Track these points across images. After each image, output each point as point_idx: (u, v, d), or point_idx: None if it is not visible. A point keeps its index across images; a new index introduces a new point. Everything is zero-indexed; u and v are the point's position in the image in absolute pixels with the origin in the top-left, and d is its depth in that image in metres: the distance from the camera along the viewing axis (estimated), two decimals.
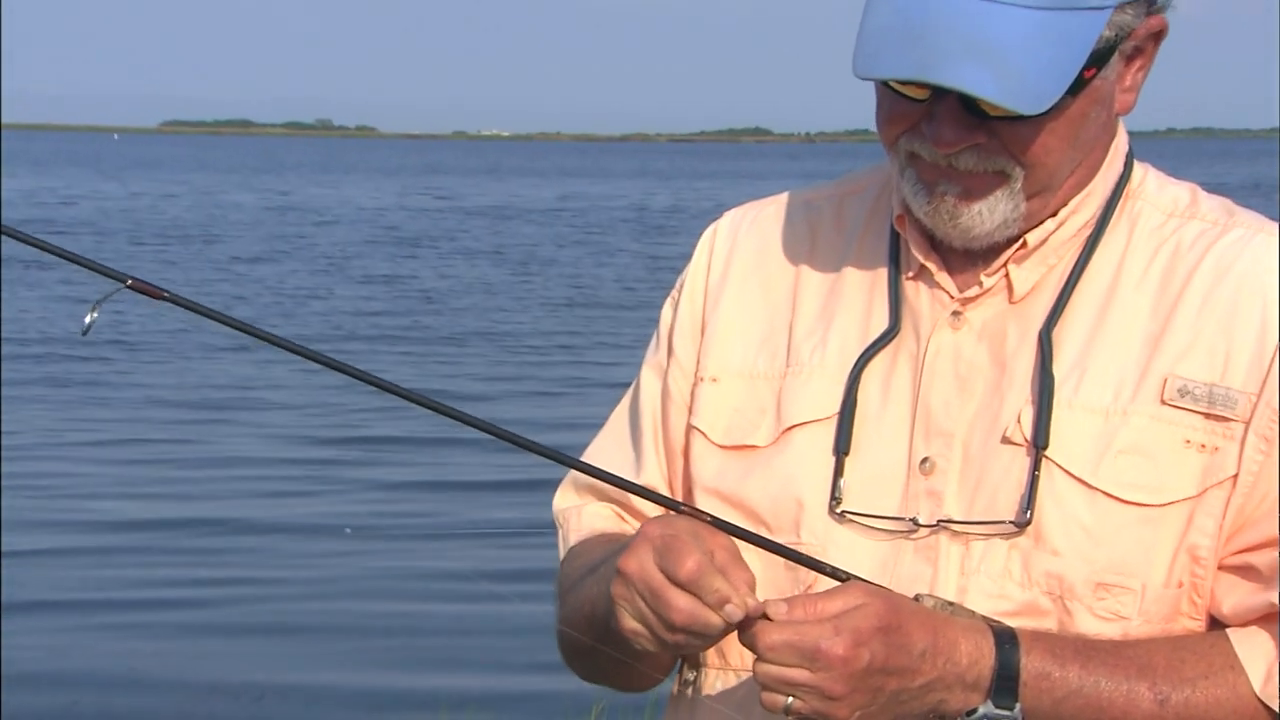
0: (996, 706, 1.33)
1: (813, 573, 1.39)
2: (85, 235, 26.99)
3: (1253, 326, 1.40)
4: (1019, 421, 1.40)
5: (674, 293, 1.57)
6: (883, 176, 1.53)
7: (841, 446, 1.43)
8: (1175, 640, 1.38)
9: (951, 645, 1.32)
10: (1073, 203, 1.45)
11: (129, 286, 1.37)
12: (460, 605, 6.77)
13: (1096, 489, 1.38)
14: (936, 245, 1.46)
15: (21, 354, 13.52)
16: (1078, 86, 1.36)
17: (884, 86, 1.40)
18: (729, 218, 1.58)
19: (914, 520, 1.41)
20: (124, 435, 10.28)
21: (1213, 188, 1.51)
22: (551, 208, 39.91)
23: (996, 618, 1.36)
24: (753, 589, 1.32)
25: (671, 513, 1.39)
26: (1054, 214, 1.44)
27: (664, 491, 1.51)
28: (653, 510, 1.44)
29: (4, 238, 1.40)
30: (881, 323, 1.46)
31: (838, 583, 1.36)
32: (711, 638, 1.32)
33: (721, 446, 1.49)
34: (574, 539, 1.56)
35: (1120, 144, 1.48)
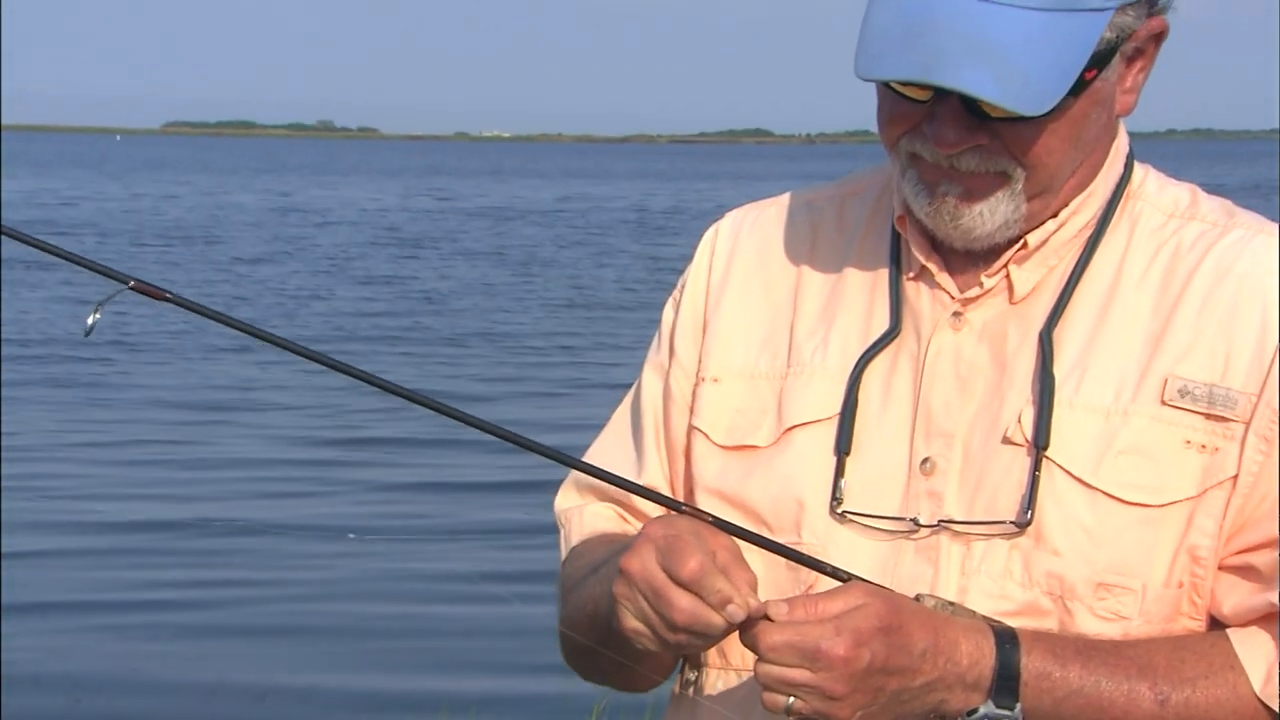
0: (997, 706, 1.33)
1: (814, 573, 1.39)
2: (87, 236, 27.01)
3: (1253, 327, 1.40)
4: (1019, 422, 1.40)
5: (675, 293, 1.58)
6: (884, 177, 1.53)
7: (842, 447, 1.43)
8: (1176, 640, 1.38)
9: (952, 645, 1.33)
10: (1074, 203, 1.45)
11: (131, 288, 1.37)
12: (461, 607, 6.77)
13: (1097, 489, 1.39)
14: (937, 246, 1.46)
15: (22, 355, 13.53)
16: (1079, 88, 1.36)
17: (885, 88, 1.40)
18: (730, 218, 1.59)
19: (915, 520, 1.41)
20: (125, 436, 10.28)
21: (1212, 189, 1.51)
22: (552, 209, 39.92)
23: (997, 618, 1.37)
24: (754, 589, 1.32)
25: (673, 513, 1.39)
26: (1055, 215, 1.45)
27: (665, 491, 1.52)
28: (654, 510, 1.44)
29: (8, 239, 1.40)
30: (882, 323, 1.47)
31: (839, 583, 1.36)
32: (713, 638, 1.32)
33: (723, 447, 1.49)
34: (576, 539, 1.56)
35: (1121, 145, 1.48)
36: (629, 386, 1.60)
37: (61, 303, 17.08)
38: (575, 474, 1.56)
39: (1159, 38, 1.43)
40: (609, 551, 1.45)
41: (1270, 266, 1.42)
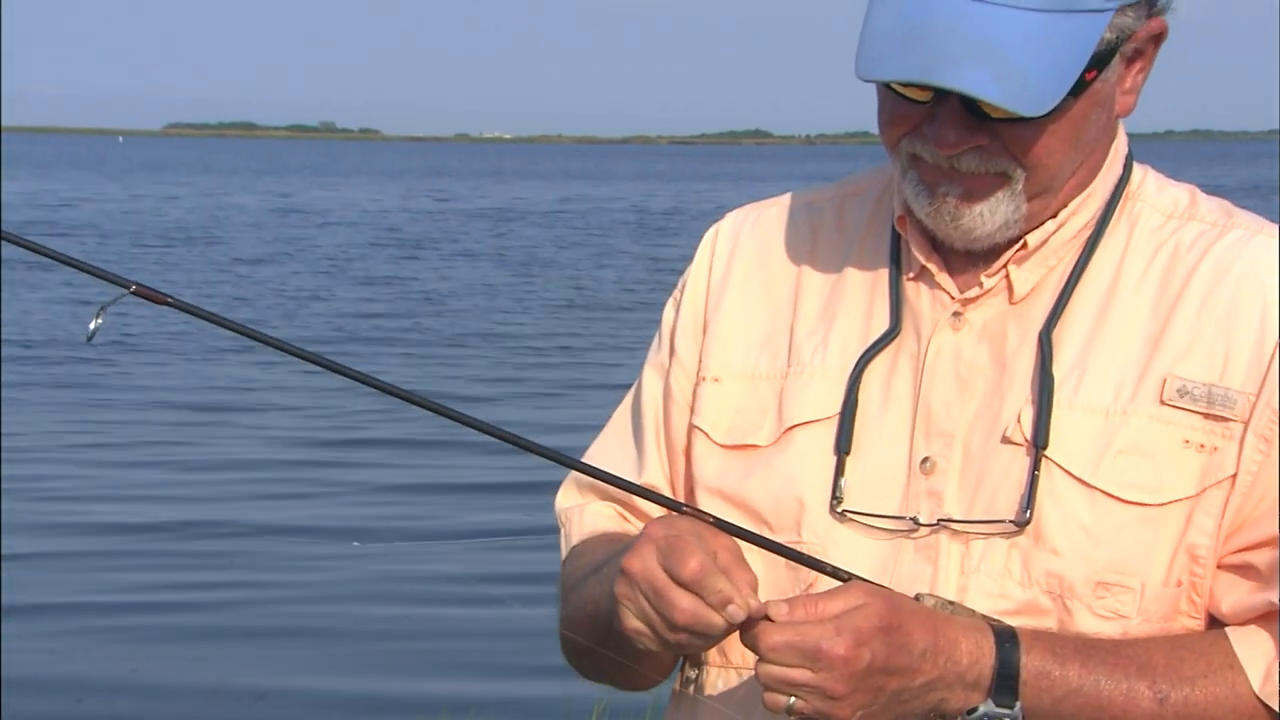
0: (997, 705, 1.34)
1: (814, 572, 1.39)
2: (88, 237, 27.02)
3: (1252, 327, 1.41)
4: (1019, 421, 1.41)
5: (676, 293, 1.58)
6: (884, 178, 1.54)
7: (842, 446, 1.44)
8: (1175, 639, 1.39)
9: (952, 644, 1.33)
10: (1073, 204, 1.45)
11: (133, 293, 1.38)
12: (461, 609, 6.77)
13: (1096, 489, 1.39)
14: (937, 246, 1.46)
15: (23, 356, 13.53)
16: (1079, 88, 1.36)
17: (886, 89, 1.41)
18: (731, 219, 1.59)
19: (914, 520, 1.42)
20: (125, 438, 10.28)
21: (1211, 189, 1.52)
22: (553, 209, 39.93)
23: (996, 617, 1.37)
24: (755, 590, 1.32)
25: (674, 513, 1.39)
26: (1054, 215, 1.45)
27: (666, 491, 1.52)
28: (655, 510, 1.45)
29: (12, 244, 1.41)
30: (882, 323, 1.47)
31: (839, 582, 1.36)
32: (713, 638, 1.33)
33: (723, 446, 1.49)
34: (576, 538, 1.57)
35: (1120, 146, 1.49)
36: (629, 387, 1.60)
37: (62, 304, 17.08)
38: (576, 473, 1.57)
39: (1158, 39, 1.43)
40: (610, 551, 1.46)
41: (1269, 266, 1.43)
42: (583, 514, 1.57)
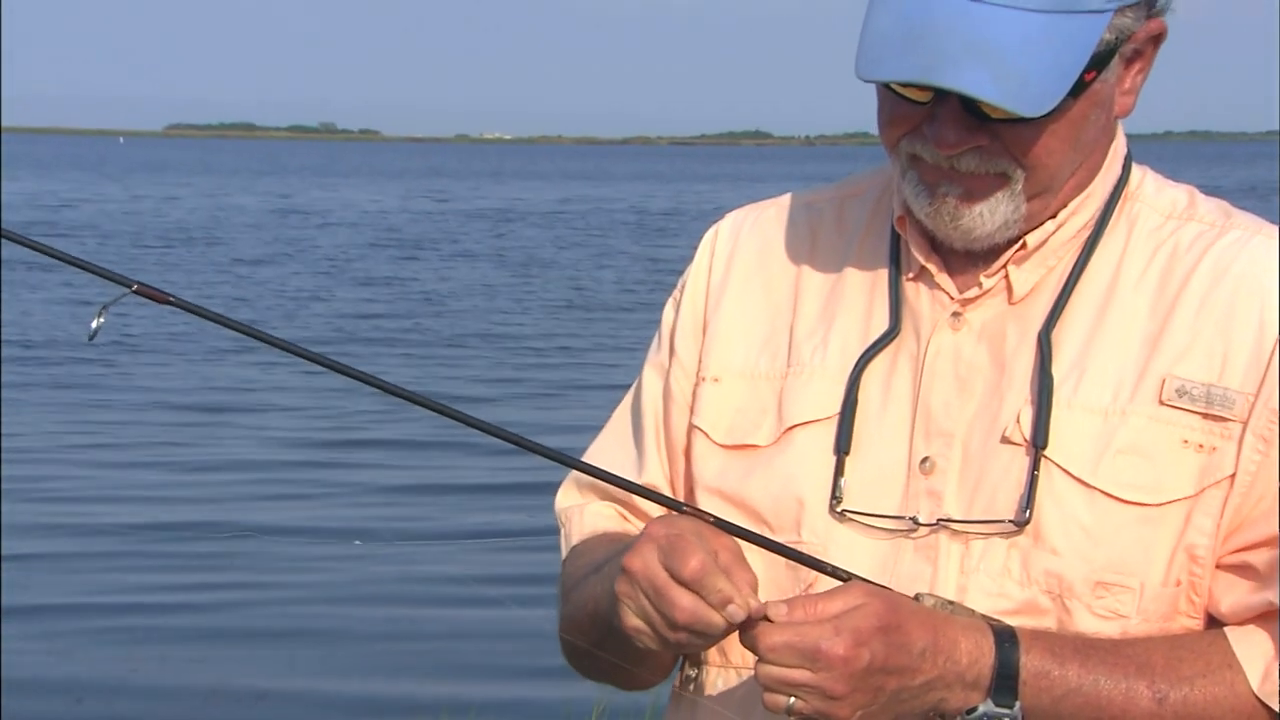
0: (996, 705, 1.34)
1: (814, 572, 1.40)
2: (88, 238, 27.02)
3: (1250, 327, 1.41)
4: (1018, 421, 1.41)
5: (675, 293, 1.58)
6: (883, 179, 1.54)
7: (842, 446, 1.44)
8: (1173, 639, 1.39)
9: (951, 644, 1.33)
10: (1072, 204, 1.46)
11: (134, 291, 1.38)
12: (461, 610, 6.77)
13: (1095, 488, 1.39)
14: (937, 246, 1.47)
15: (23, 356, 13.53)
16: (1078, 89, 1.37)
17: (886, 89, 1.41)
18: (730, 219, 1.59)
19: (914, 519, 1.42)
20: (125, 439, 10.28)
21: (1209, 190, 1.52)
22: (552, 210, 39.94)
23: (996, 616, 1.37)
24: (755, 590, 1.33)
25: (675, 512, 1.39)
26: (1054, 216, 1.45)
27: (665, 491, 1.52)
28: (655, 510, 1.45)
29: (13, 243, 1.41)
30: (882, 323, 1.47)
31: (838, 582, 1.37)
32: (713, 637, 1.33)
33: (723, 446, 1.50)
34: (577, 538, 1.57)
35: (1119, 146, 1.49)
36: (628, 387, 1.60)
37: (62, 304, 17.08)
38: (576, 473, 1.57)
39: (1157, 39, 1.44)
40: (610, 551, 1.46)
41: (1268, 266, 1.43)
42: (583, 514, 1.57)
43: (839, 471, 1.44)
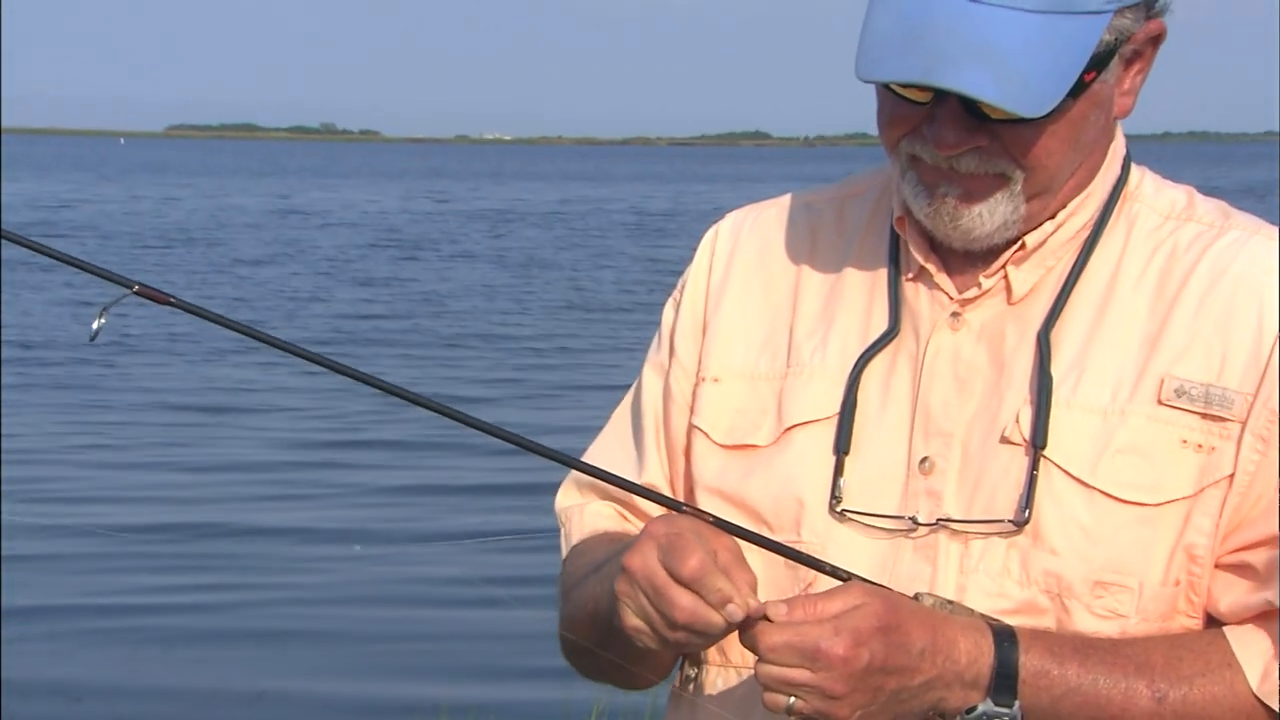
0: (995, 704, 1.34)
1: (813, 571, 1.40)
2: (89, 238, 27.01)
3: (1249, 327, 1.41)
4: (1017, 421, 1.41)
5: (675, 293, 1.59)
6: (883, 179, 1.54)
7: (841, 446, 1.44)
8: (1173, 638, 1.39)
9: (950, 644, 1.34)
10: (1071, 205, 1.46)
11: (135, 292, 1.38)
12: (460, 611, 6.77)
13: (1094, 488, 1.39)
14: (936, 247, 1.47)
15: (23, 358, 13.53)
16: (1078, 90, 1.37)
17: (885, 89, 1.41)
18: (730, 219, 1.60)
19: (913, 519, 1.42)
20: (125, 440, 10.27)
21: (1207, 191, 1.52)
22: (552, 211, 39.95)
23: (995, 616, 1.38)
24: (754, 590, 1.33)
25: (675, 512, 1.40)
26: (1053, 216, 1.45)
27: (665, 491, 1.52)
28: (655, 510, 1.45)
29: (14, 244, 1.41)
30: (881, 324, 1.47)
31: (838, 581, 1.37)
32: (712, 637, 1.33)
33: (723, 446, 1.50)
34: (577, 538, 1.57)
35: (1118, 147, 1.49)
36: (628, 388, 1.60)
37: (62, 305, 17.08)
38: (576, 473, 1.57)
39: (1156, 40, 1.44)
40: (610, 550, 1.46)
41: (1266, 267, 1.43)
42: (583, 514, 1.58)
43: (838, 471, 1.44)
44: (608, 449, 1.58)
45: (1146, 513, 1.39)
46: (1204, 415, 1.40)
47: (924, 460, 1.43)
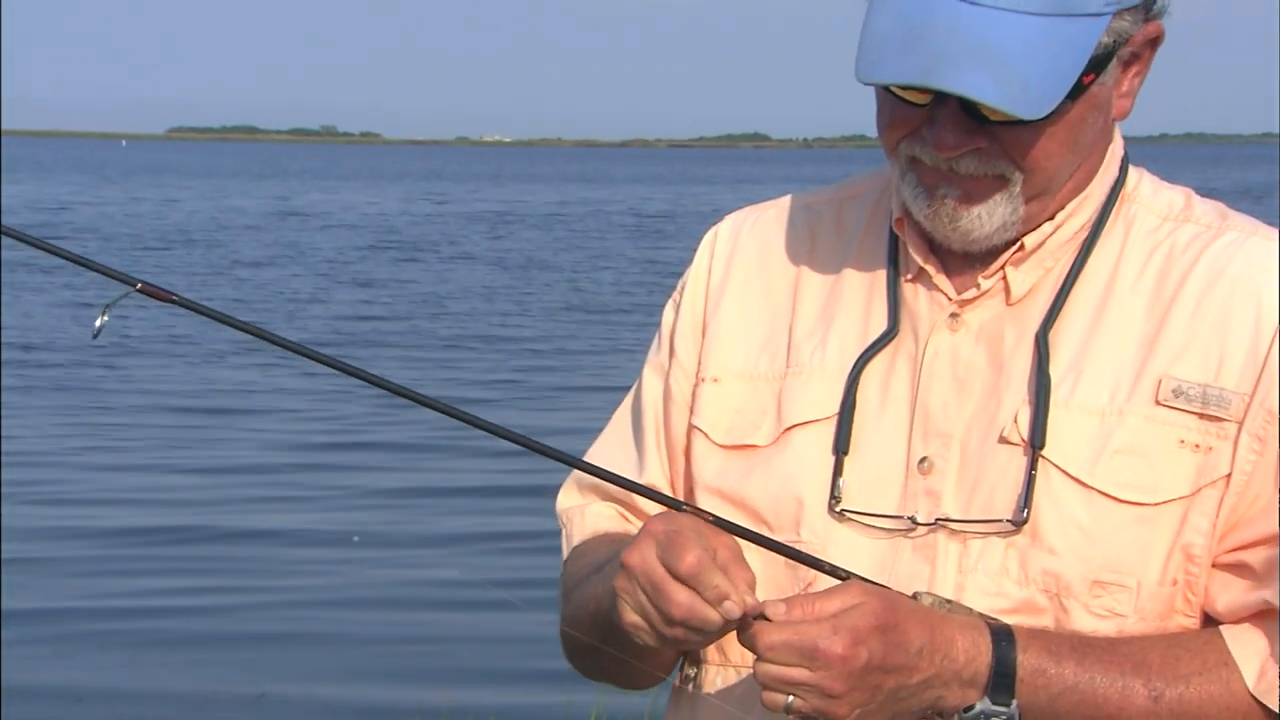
0: (993, 703, 1.35)
1: (813, 571, 1.40)
2: (90, 240, 27.02)
3: (1246, 328, 1.42)
4: (1016, 422, 1.42)
5: (675, 294, 1.59)
6: (882, 181, 1.55)
7: (841, 446, 1.45)
8: (1170, 637, 1.40)
9: (948, 642, 1.34)
10: (1070, 206, 1.46)
11: (139, 290, 1.39)
12: (460, 614, 6.76)
13: (1093, 488, 1.40)
14: (935, 248, 1.47)
15: (24, 359, 13.53)
16: (1077, 92, 1.37)
17: (885, 91, 1.41)
18: (730, 221, 1.60)
19: (912, 519, 1.43)
20: (125, 442, 10.27)
21: (1204, 192, 1.53)
22: (552, 212, 39.95)
23: (994, 615, 1.38)
24: (753, 588, 1.33)
25: (675, 510, 1.40)
26: (1051, 217, 1.46)
27: (666, 491, 1.53)
28: (656, 510, 1.46)
29: (17, 242, 1.41)
30: (880, 324, 1.48)
31: (837, 580, 1.37)
32: (710, 634, 1.33)
33: (723, 446, 1.50)
34: (578, 538, 1.58)
35: (1116, 149, 1.50)
36: (628, 389, 1.61)
37: (63, 306, 17.08)
38: (577, 473, 1.58)
39: (1155, 42, 1.44)
40: (611, 550, 1.47)
41: (1263, 268, 1.44)
42: (584, 514, 1.58)
43: (838, 471, 1.44)
44: (608, 450, 1.58)
45: (1144, 513, 1.40)
46: (1201, 415, 1.40)
47: (923, 460, 1.43)
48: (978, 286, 1.46)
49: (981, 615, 1.37)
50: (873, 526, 1.43)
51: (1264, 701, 1.37)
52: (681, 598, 1.31)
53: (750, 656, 1.34)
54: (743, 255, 1.56)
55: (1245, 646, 1.38)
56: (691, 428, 1.53)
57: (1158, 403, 1.41)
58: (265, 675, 6.09)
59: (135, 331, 14.66)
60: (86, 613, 6.78)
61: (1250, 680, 1.38)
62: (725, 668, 1.48)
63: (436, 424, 9.90)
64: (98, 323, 1.38)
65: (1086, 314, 1.44)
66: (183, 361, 13.57)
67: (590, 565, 1.51)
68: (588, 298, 19.67)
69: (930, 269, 1.47)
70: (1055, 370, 1.42)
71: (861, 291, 1.50)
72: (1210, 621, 1.42)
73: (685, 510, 1.39)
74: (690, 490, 1.52)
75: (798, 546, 1.41)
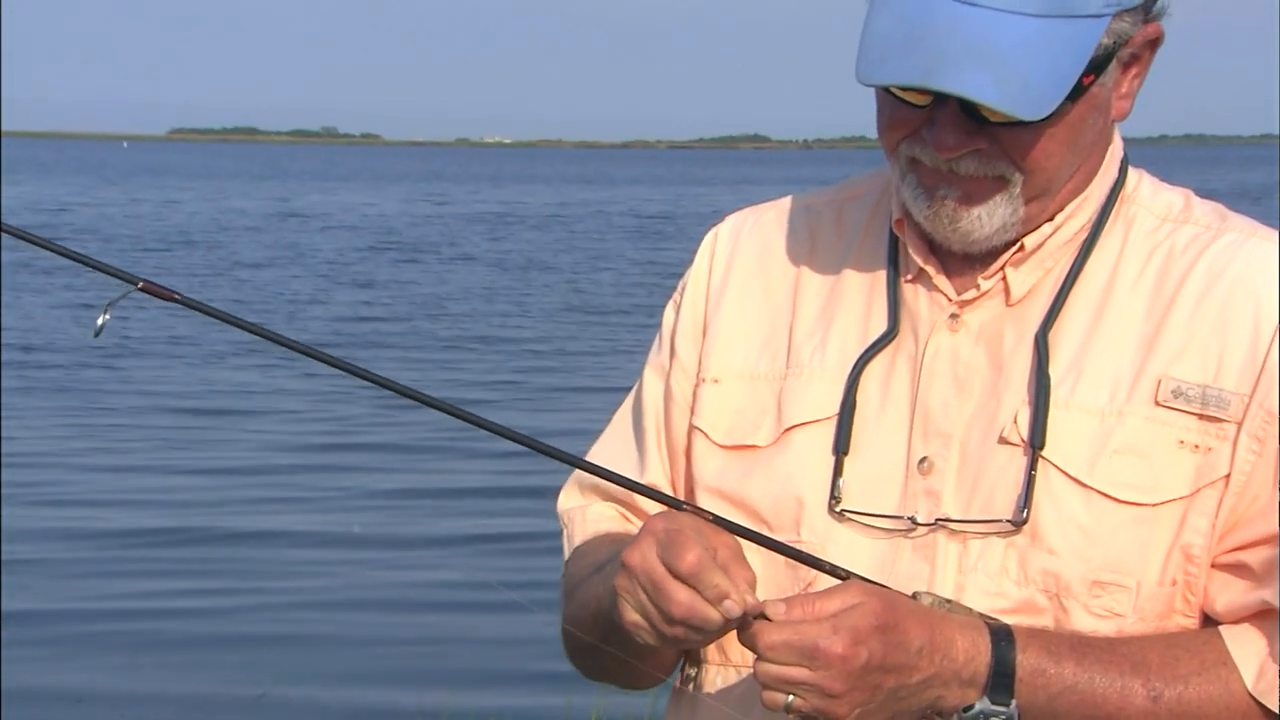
0: (993, 702, 1.35)
1: (813, 570, 1.41)
2: (91, 241, 27.03)
3: (1245, 329, 1.42)
4: (1016, 422, 1.42)
5: (676, 295, 1.59)
6: (882, 182, 1.55)
7: (841, 446, 1.45)
8: (1169, 637, 1.40)
9: (948, 642, 1.34)
10: (1069, 207, 1.47)
11: (140, 289, 1.39)
12: (460, 615, 6.76)
13: (1092, 489, 1.40)
14: (935, 249, 1.48)
15: (25, 361, 13.53)
16: (1077, 93, 1.38)
17: (885, 92, 1.42)
18: (730, 222, 1.60)
19: (912, 519, 1.43)
20: (125, 443, 10.27)
21: (1203, 193, 1.53)
22: (552, 214, 39.96)
23: (993, 615, 1.38)
24: (753, 587, 1.33)
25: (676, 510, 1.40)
26: (1051, 218, 1.46)
27: (667, 491, 1.53)
28: (656, 510, 1.46)
29: (20, 242, 1.42)
30: (880, 325, 1.48)
31: (837, 580, 1.38)
32: (710, 633, 1.33)
33: (723, 446, 1.51)
34: (579, 539, 1.58)
35: (1116, 150, 1.50)
36: (628, 390, 1.61)
37: (63, 308, 17.09)
38: (578, 474, 1.58)
39: (1154, 44, 1.45)
40: (612, 551, 1.47)
41: (1262, 269, 1.44)
42: (585, 515, 1.58)
43: (838, 471, 1.44)
44: (610, 450, 1.58)
45: (1144, 513, 1.40)
46: (1201, 416, 1.41)
47: (923, 460, 1.44)
48: (977, 287, 1.46)
49: (981, 615, 1.38)
50: (873, 526, 1.43)
51: (1263, 701, 1.38)
52: (682, 596, 1.31)
53: (750, 656, 1.34)
54: (743, 256, 1.56)
55: (1244, 646, 1.39)
56: (692, 428, 1.53)
57: (1157, 403, 1.41)
58: (266, 677, 6.09)
59: (135, 332, 14.67)
60: (86, 614, 6.78)
61: (1249, 680, 1.38)
62: (725, 668, 1.49)
63: (437, 425, 9.91)
64: (99, 321, 1.38)
65: (1086, 314, 1.45)
66: (183, 362, 13.57)
67: (592, 565, 1.51)
68: (587, 299, 19.68)
69: (930, 270, 1.47)
70: (1055, 371, 1.42)
71: (861, 292, 1.50)
72: (1209, 622, 1.42)
73: (686, 510, 1.39)
74: (691, 490, 1.53)
75: (798, 546, 1.42)
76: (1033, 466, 1.40)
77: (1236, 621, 1.40)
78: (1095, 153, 1.46)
